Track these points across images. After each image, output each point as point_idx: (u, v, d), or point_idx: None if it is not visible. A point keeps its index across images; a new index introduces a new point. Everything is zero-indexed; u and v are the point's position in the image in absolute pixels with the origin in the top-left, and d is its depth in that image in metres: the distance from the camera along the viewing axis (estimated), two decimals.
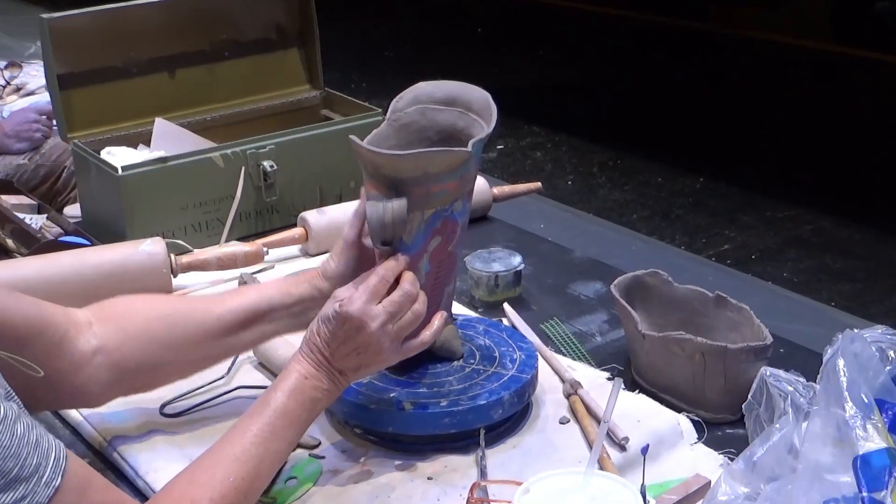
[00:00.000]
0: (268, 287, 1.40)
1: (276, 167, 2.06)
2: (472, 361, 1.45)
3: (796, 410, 1.15)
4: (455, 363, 1.44)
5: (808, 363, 1.39)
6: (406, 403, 1.35)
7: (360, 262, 1.35)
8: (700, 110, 5.86)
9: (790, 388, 1.20)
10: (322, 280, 1.37)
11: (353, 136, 1.29)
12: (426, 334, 1.31)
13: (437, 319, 1.32)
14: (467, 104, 1.36)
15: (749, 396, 1.29)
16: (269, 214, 2.10)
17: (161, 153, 2.04)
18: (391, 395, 1.37)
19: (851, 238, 4.23)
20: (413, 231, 1.30)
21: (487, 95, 1.36)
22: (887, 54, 6.52)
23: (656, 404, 1.47)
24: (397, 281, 1.28)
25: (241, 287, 1.42)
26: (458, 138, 1.35)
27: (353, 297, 1.24)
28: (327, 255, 1.40)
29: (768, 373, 1.24)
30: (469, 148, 1.28)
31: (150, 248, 1.82)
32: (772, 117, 5.68)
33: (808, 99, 5.96)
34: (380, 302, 1.25)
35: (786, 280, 3.87)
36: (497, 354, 1.46)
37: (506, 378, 1.40)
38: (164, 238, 1.88)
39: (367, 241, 1.34)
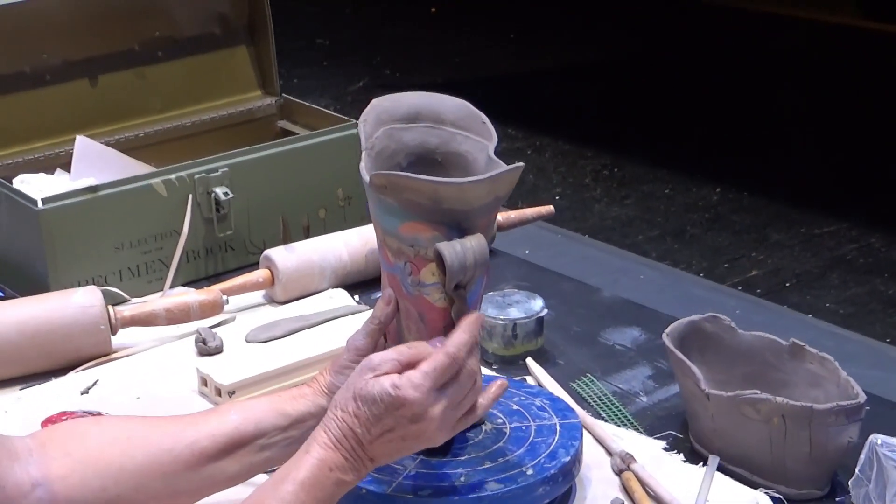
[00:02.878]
0: (255, 406, 1.38)
1: (231, 195, 2.08)
2: (503, 434, 1.47)
3: None
4: (481, 435, 1.46)
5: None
6: (423, 491, 1.36)
7: None
8: (714, 103, 5.92)
9: None
10: (324, 396, 1.37)
11: (399, 173, 1.31)
12: (481, 404, 1.31)
13: (494, 388, 1.33)
14: (436, 117, 1.40)
15: (856, 470, 1.32)
16: (221, 253, 2.12)
17: (91, 180, 2.05)
18: (402, 478, 1.38)
19: None
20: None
21: (463, 103, 1.41)
22: None
23: (728, 479, 1.50)
24: None
25: (222, 406, 1.41)
26: (432, 159, 1.40)
27: (416, 381, 1.23)
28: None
29: (879, 441, 1.28)
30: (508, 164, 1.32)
31: (84, 300, 1.84)
32: (802, 111, 5.76)
33: (843, 88, 6.04)
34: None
35: (829, 311, 3.93)
36: (531, 422, 1.49)
37: (547, 452, 1.43)
38: (95, 285, 1.89)
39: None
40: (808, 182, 4.95)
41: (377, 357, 1.27)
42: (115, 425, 1.38)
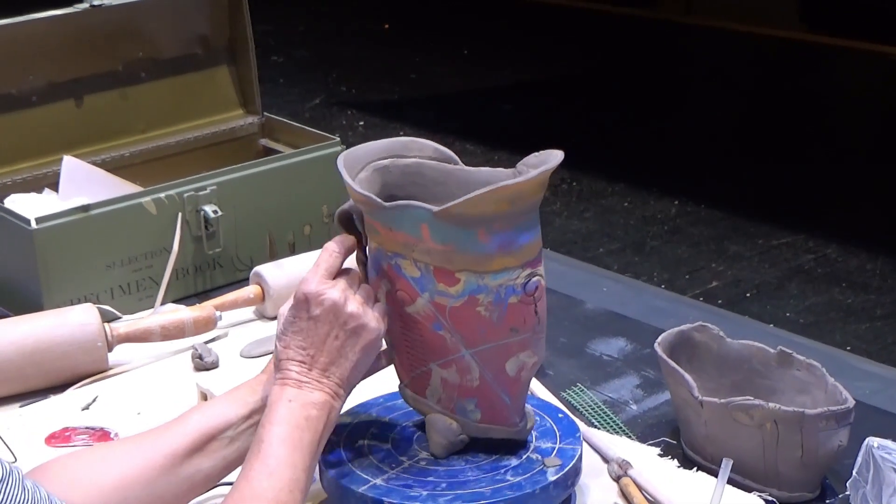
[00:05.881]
0: (215, 402, 1.44)
1: (220, 212, 2.11)
2: (503, 443, 1.50)
3: None
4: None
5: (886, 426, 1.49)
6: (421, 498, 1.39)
7: None
8: (669, 117, 6.00)
9: None
10: None
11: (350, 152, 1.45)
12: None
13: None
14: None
15: (854, 472, 1.37)
16: (210, 270, 2.15)
17: (80, 199, 2.07)
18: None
19: (862, 267, 4.39)
20: (371, 252, 1.45)
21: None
22: (876, 43, 6.74)
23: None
24: None
25: (185, 412, 1.45)
26: None
27: (307, 278, 1.37)
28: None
29: (876, 444, 1.33)
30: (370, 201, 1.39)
31: (82, 318, 1.86)
32: (753, 123, 5.84)
33: (793, 100, 6.13)
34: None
35: (789, 321, 4.00)
36: (532, 432, 1.52)
37: (545, 460, 1.46)
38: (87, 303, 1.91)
39: None
40: (764, 194, 5.03)
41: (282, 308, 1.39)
42: (90, 453, 1.43)
